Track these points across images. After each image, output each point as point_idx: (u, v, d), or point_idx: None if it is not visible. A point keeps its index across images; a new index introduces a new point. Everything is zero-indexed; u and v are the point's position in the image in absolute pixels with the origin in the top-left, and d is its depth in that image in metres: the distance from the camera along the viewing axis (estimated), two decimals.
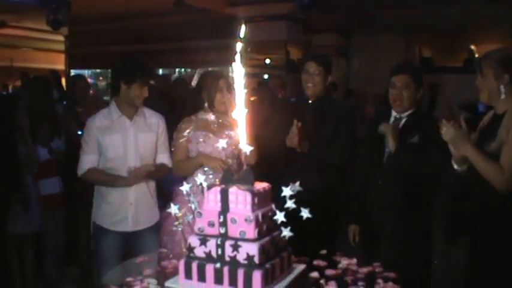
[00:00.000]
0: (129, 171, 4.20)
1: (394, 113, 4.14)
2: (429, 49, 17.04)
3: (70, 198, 5.55)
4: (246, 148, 2.34)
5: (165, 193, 4.62)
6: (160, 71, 14.43)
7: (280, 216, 2.27)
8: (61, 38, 13.30)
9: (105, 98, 8.94)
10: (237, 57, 2.33)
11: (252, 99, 7.02)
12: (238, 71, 2.34)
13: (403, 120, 4.08)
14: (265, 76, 12.32)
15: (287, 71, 12.08)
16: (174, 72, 14.91)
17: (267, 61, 12.63)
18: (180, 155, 4.35)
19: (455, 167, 3.49)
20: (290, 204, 2.28)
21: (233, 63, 2.32)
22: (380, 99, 11.25)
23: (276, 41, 12.25)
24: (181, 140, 4.33)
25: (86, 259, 5.69)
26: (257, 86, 9.31)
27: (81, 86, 6.10)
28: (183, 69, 15.14)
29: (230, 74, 2.41)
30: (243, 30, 2.37)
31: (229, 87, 4.10)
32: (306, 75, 4.52)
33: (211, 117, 4.32)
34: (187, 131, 4.31)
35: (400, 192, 3.97)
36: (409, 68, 4.32)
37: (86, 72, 13.73)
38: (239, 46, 2.33)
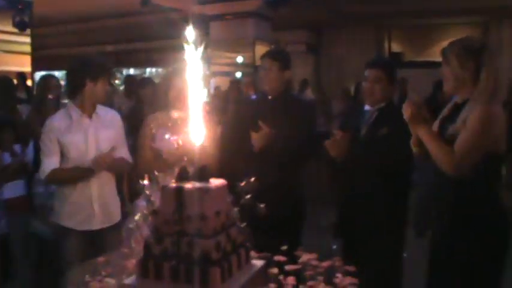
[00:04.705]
0: (93, 160, 4.18)
1: (366, 107, 4.18)
2: (399, 44, 17.19)
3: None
4: (197, 144, 2.33)
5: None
6: (132, 71, 14.38)
7: (235, 213, 2.28)
8: (28, 39, 13.21)
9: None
10: (191, 54, 2.33)
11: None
12: (191, 68, 2.34)
13: (375, 114, 4.12)
14: (239, 74, 12.27)
15: (256, 69, 12.08)
16: (145, 72, 14.85)
17: (240, 59, 12.55)
18: (144, 153, 4.35)
19: (413, 149, 3.54)
20: (245, 200, 2.29)
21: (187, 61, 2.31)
22: (349, 94, 11.36)
23: (245, 38, 12.19)
24: (144, 138, 4.34)
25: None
26: (229, 84, 9.34)
27: (55, 85, 6.06)
28: (153, 69, 15.08)
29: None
30: (189, 29, 2.35)
31: (184, 84, 4.11)
32: (262, 71, 4.54)
33: (172, 114, 4.30)
34: (151, 128, 4.32)
35: (369, 185, 4.02)
36: (381, 62, 4.40)
37: (56, 74, 13.61)
38: (188, 44, 2.32)
